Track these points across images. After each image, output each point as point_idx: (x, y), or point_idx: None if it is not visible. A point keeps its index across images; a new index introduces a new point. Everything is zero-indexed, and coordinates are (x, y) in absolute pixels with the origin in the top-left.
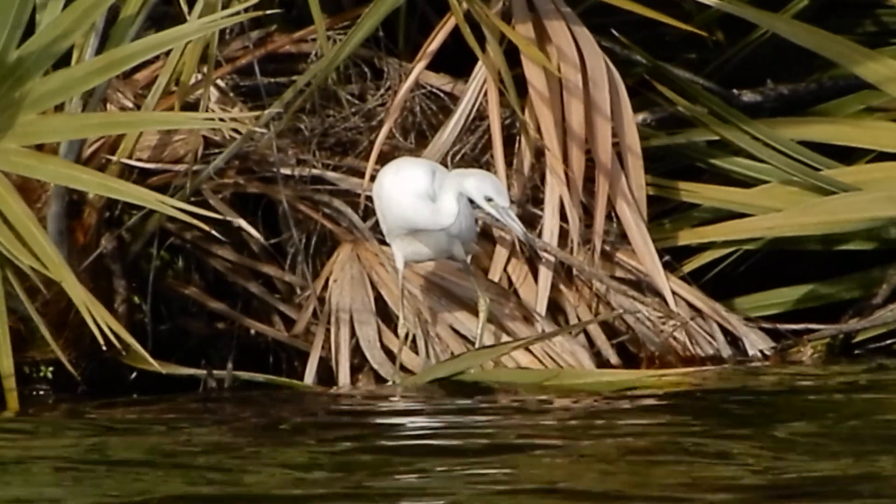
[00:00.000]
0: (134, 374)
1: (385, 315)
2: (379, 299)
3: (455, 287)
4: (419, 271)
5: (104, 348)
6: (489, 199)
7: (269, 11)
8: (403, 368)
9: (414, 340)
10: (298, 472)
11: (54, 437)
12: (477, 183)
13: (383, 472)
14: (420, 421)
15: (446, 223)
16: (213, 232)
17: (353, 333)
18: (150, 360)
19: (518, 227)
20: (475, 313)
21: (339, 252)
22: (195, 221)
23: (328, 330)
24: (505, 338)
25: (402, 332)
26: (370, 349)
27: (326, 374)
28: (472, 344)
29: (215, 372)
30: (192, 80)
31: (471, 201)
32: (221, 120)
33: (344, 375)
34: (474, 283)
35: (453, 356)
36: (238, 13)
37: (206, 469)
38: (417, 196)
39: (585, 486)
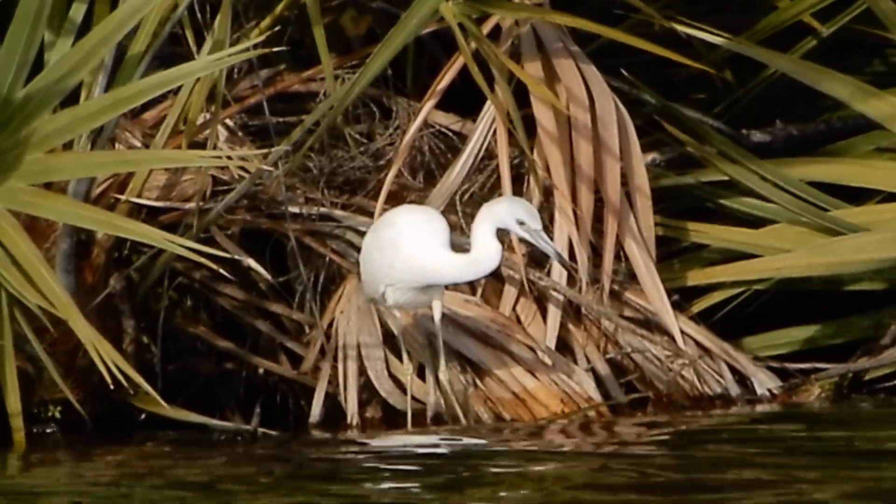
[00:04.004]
0: (143, 415)
1: (392, 345)
2: (385, 329)
3: (462, 318)
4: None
5: (112, 388)
6: (521, 223)
7: (276, 49)
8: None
9: (421, 368)
10: None
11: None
12: (508, 208)
13: None
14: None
15: (492, 267)
16: (222, 271)
17: (360, 366)
18: (161, 401)
19: (552, 249)
20: (482, 340)
21: (345, 284)
22: (204, 260)
23: (335, 365)
24: (513, 365)
25: (407, 372)
26: (378, 379)
27: (335, 409)
28: (482, 371)
29: (233, 425)
30: (201, 120)
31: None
32: (229, 158)
33: (352, 408)
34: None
35: None
36: (245, 50)
37: None
38: (448, 250)
39: None
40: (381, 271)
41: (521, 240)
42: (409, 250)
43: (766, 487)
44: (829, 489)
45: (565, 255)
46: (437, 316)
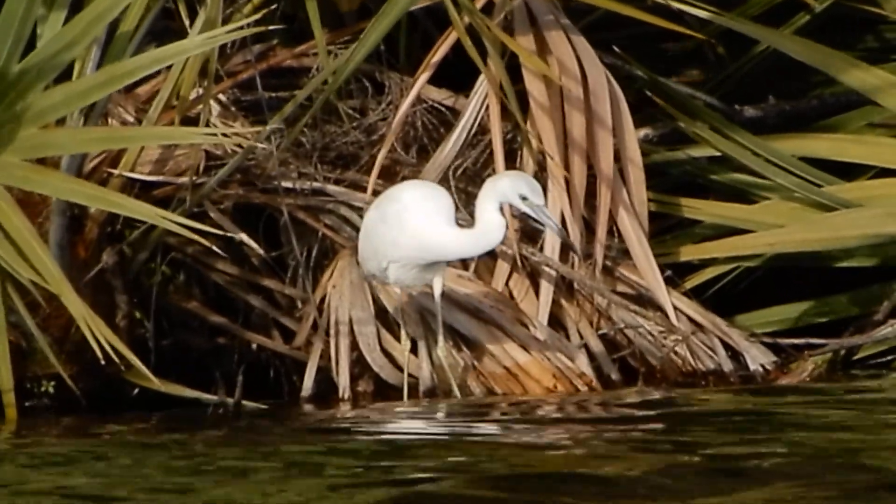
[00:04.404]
0: (136, 390)
1: (384, 319)
2: (377, 303)
3: (455, 294)
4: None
5: (103, 364)
6: (524, 198)
7: (270, 27)
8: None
9: (413, 343)
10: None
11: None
12: (511, 182)
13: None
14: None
15: (497, 241)
16: (214, 248)
17: (352, 340)
18: (151, 377)
19: (555, 225)
20: (475, 315)
21: (338, 259)
22: (195, 237)
23: (327, 340)
24: (505, 340)
25: (405, 349)
26: (370, 353)
27: (327, 383)
28: (474, 345)
29: (221, 398)
30: (194, 95)
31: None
32: (224, 135)
33: (344, 382)
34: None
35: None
36: (239, 28)
37: None
38: (454, 226)
39: None
40: (385, 248)
41: (522, 215)
42: (415, 226)
43: None
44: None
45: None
46: (437, 292)
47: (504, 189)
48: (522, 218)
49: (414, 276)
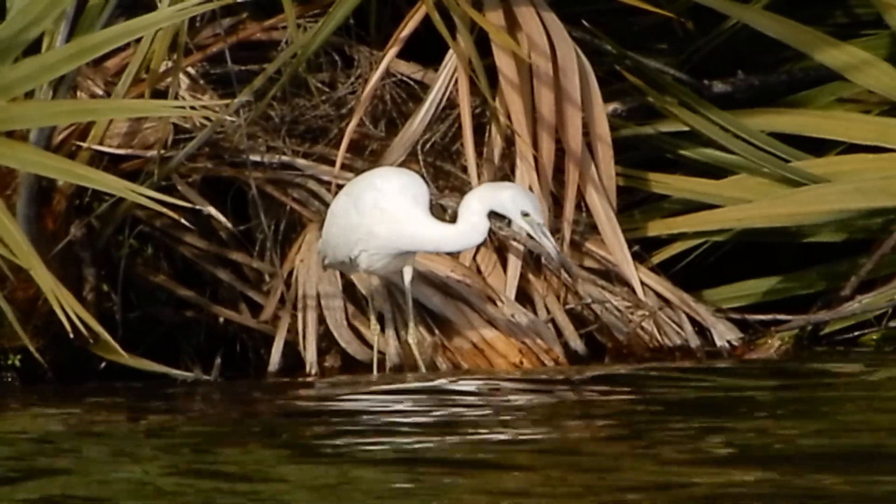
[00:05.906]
0: (103, 363)
1: (351, 294)
2: (345, 278)
3: (422, 268)
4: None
5: (72, 336)
6: (525, 215)
7: (239, 1)
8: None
9: (380, 318)
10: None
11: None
12: (514, 197)
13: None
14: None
15: (477, 243)
16: (182, 220)
17: (320, 315)
18: (120, 350)
19: (551, 246)
20: (442, 290)
21: (306, 233)
22: (164, 210)
23: (294, 314)
24: (472, 315)
25: (375, 332)
26: (337, 328)
27: (294, 357)
28: (441, 320)
29: (194, 373)
30: (163, 68)
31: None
32: (192, 108)
33: (311, 357)
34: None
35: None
36: (209, 0)
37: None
38: (432, 218)
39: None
40: (358, 236)
41: (516, 229)
42: (394, 216)
43: None
44: None
45: None
46: (407, 279)
47: (504, 202)
48: (518, 232)
49: (385, 264)
